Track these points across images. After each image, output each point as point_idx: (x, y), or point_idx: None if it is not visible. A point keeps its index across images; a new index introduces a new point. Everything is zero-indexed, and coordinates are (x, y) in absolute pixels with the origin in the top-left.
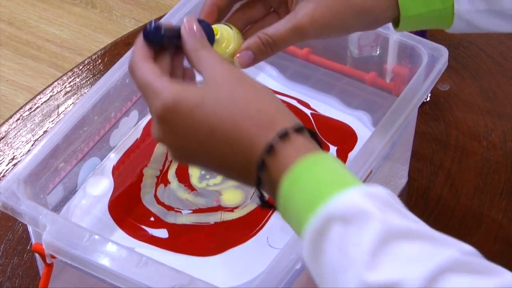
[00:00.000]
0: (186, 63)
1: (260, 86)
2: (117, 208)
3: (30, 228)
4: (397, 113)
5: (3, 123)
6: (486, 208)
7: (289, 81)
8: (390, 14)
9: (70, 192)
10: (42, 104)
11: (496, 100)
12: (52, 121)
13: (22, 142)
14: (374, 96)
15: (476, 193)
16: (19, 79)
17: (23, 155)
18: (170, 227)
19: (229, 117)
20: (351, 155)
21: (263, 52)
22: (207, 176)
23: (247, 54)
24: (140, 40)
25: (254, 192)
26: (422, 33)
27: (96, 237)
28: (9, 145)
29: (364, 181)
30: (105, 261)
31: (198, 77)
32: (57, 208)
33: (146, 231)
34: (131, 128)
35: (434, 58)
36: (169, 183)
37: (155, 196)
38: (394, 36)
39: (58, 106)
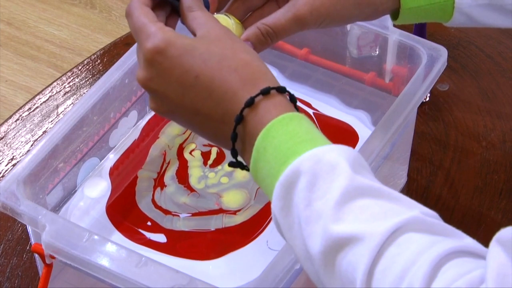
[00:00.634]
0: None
1: (251, 50)
2: (115, 211)
3: (29, 229)
4: (396, 113)
5: (2, 123)
6: (486, 208)
7: (288, 81)
8: (390, 5)
9: (70, 193)
10: (41, 104)
11: (495, 100)
12: (52, 121)
13: (22, 142)
14: (373, 96)
15: (476, 193)
16: (18, 79)
17: (22, 156)
18: (168, 232)
19: (217, 68)
20: None
21: (263, 43)
22: (207, 174)
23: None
24: None
25: (257, 192)
26: (421, 33)
27: (96, 237)
28: (8, 145)
29: None
30: (104, 261)
31: None
32: (57, 208)
33: (143, 235)
34: (130, 128)
35: (433, 58)
36: (166, 186)
37: (153, 201)
38: (393, 36)
39: (57, 106)
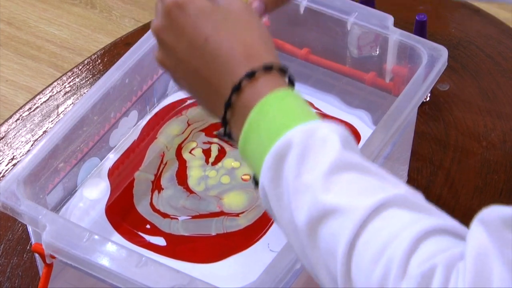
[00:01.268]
0: None
1: (265, 29)
2: (114, 213)
3: (29, 228)
4: (396, 113)
5: (3, 123)
6: None
7: None
8: None
9: (70, 192)
10: (41, 104)
11: (495, 100)
12: (52, 121)
13: (22, 142)
14: (373, 96)
15: (476, 193)
16: (18, 79)
17: (22, 155)
18: (167, 236)
19: (227, 37)
20: None
21: (273, 2)
22: (208, 173)
23: (258, 4)
24: None
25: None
26: (421, 33)
27: (96, 237)
28: (9, 145)
29: None
30: (104, 261)
31: None
32: (57, 208)
33: (143, 237)
34: (130, 128)
35: (434, 58)
36: (163, 189)
37: (151, 204)
38: (393, 36)
39: (57, 106)
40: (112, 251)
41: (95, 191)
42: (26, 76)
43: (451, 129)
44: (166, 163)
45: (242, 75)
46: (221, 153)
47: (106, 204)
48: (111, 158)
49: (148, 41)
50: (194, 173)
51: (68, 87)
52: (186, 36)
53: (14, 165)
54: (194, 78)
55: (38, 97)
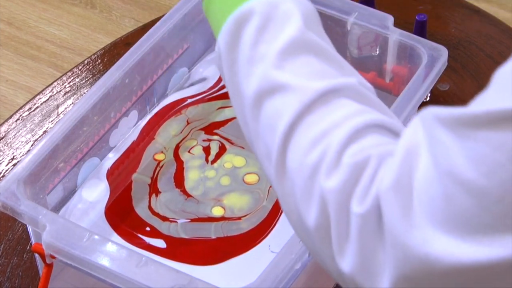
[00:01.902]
0: None
1: None
2: (113, 215)
3: (29, 228)
4: (396, 113)
5: (3, 123)
6: None
7: None
8: None
9: (70, 192)
10: (41, 104)
11: None
12: (52, 121)
13: (22, 142)
14: None
15: None
16: (18, 79)
17: (22, 155)
18: (167, 238)
19: None
20: None
21: None
22: (207, 173)
23: None
24: None
25: (268, 192)
26: (421, 33)
27: (96, 237)
28: (9, 145)
29: None
30: (104, 261)
31: None
32: (57, 208)
33: (143, 239)
34: (130, 128)
35: (434, 58)
36: (160, 193)
37: (150, 207)
38: (393, 36)
39: (57, 106)
40: (112, 251)
41: (94, 193)
42: (26, 76)
43: None
44: (162, 165)
45: None
46: (222, 150)
47: (105, 206)
48: (111, 158)
49: (148, 41)
50: (192, 175)
51: (68, 87)
52: None
53: (14, 165)
54: None
55: (38, 97)
